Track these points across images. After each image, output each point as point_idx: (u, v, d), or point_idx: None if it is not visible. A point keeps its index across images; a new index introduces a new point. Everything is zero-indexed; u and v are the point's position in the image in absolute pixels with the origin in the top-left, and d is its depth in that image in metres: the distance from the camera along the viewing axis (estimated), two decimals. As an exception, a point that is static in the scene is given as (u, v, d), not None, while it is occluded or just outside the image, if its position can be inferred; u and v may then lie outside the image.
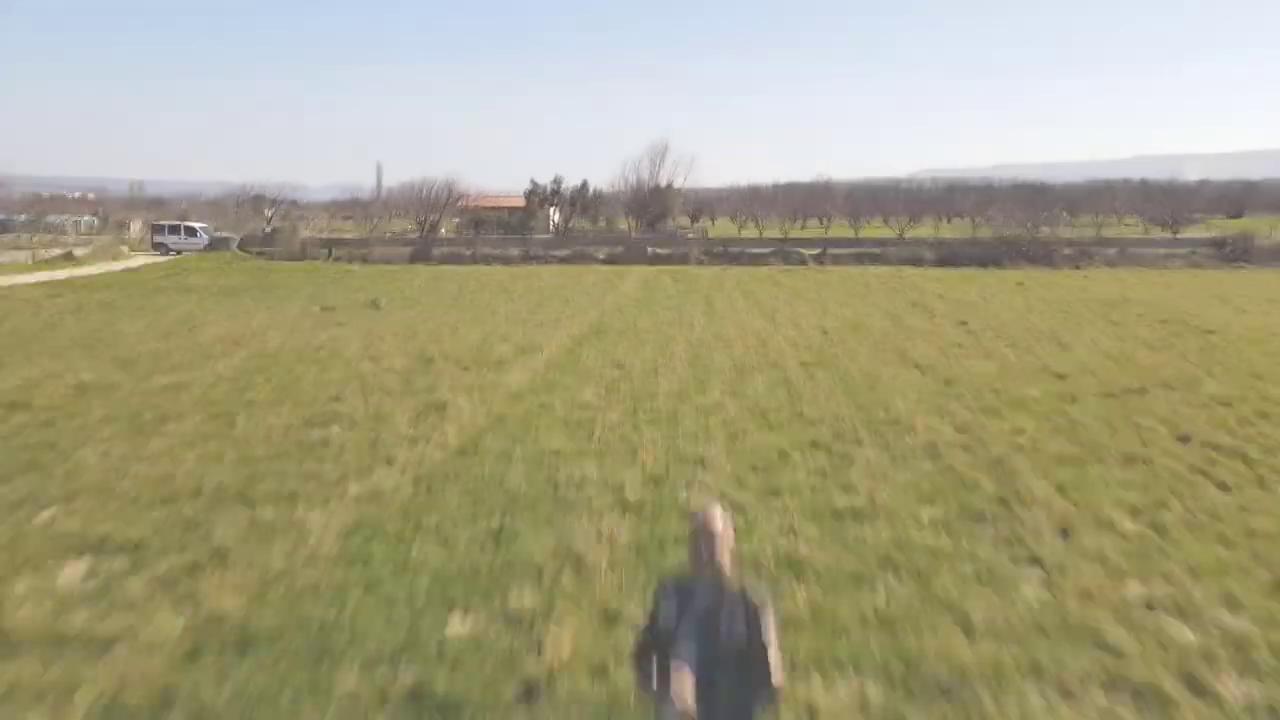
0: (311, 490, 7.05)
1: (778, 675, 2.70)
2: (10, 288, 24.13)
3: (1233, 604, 5.04)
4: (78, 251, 37.27)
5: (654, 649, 2.79)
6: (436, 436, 8.70)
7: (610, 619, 4.79)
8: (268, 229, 46.90)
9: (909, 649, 4.46)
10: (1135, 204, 64.20)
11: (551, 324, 17.57)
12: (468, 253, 38.56)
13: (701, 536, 2.75)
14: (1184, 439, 8.66)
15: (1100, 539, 6.06)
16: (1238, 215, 70.62)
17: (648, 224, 54.87)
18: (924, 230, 53.86)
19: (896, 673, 4.24)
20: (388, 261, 36.02)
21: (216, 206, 61.97)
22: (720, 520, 2.80)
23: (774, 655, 2.69)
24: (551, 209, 56.97)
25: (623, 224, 55.95)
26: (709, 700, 2.54)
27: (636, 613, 4.45)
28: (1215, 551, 5.84)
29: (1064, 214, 49.35)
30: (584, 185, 58.02)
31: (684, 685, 2.53)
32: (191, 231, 43.65)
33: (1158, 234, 48.09)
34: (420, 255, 38.08)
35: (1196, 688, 4.11)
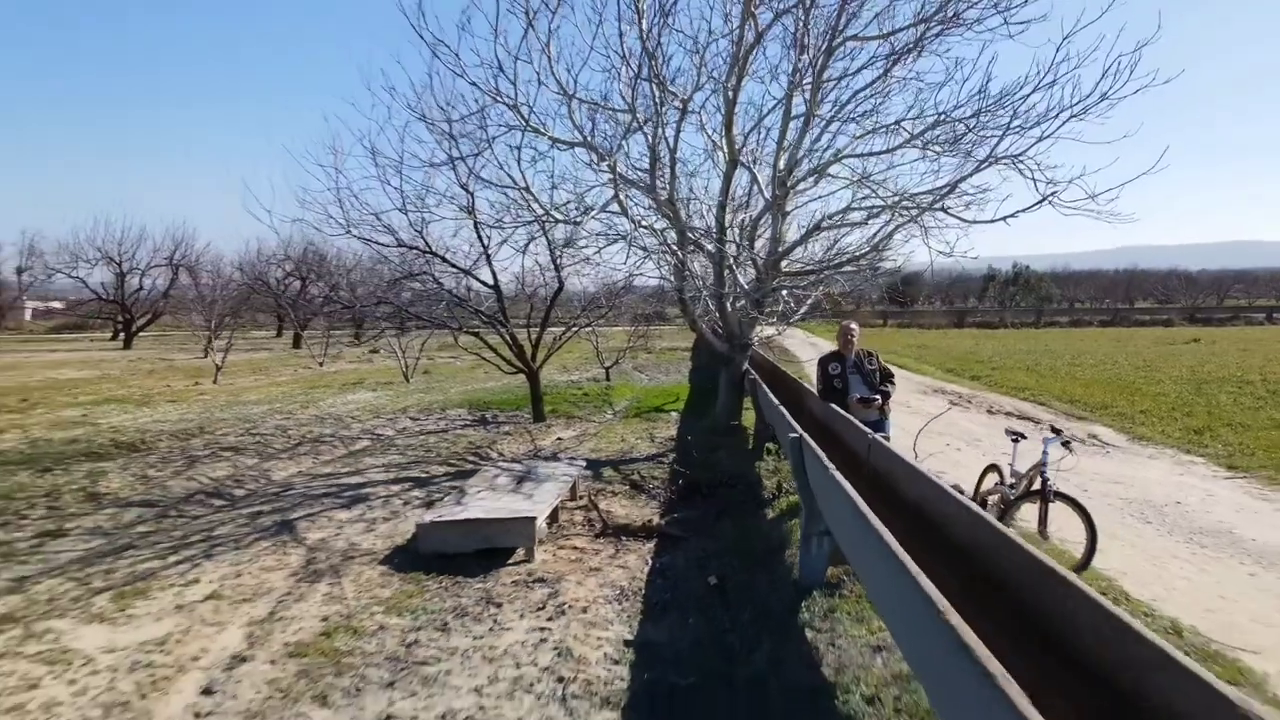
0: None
1: (894, 379, 7.05)
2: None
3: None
4: None
5: (831, 385, 6.81)
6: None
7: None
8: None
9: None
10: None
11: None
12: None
13: (847, 335, 6.96)
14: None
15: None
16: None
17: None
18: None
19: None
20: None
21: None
22: (855, 330, 6.97)
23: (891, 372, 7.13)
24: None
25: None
26: (866, 403, 6.64)
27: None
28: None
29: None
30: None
31: (858, 394, 6.73)
32: None
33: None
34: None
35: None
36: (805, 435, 4.95)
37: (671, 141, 9.79)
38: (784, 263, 10.64)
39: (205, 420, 13.68)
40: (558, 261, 12.97)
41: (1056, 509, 5.58)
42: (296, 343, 41.23)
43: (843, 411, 6.36)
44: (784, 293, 10.68)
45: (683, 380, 21.02)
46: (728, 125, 9.86)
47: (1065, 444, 5.71)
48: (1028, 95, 8.74)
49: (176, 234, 46.82)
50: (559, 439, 11.82)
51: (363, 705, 3.81)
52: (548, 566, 5.88)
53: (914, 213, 9.45)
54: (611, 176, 8.97)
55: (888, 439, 6.84)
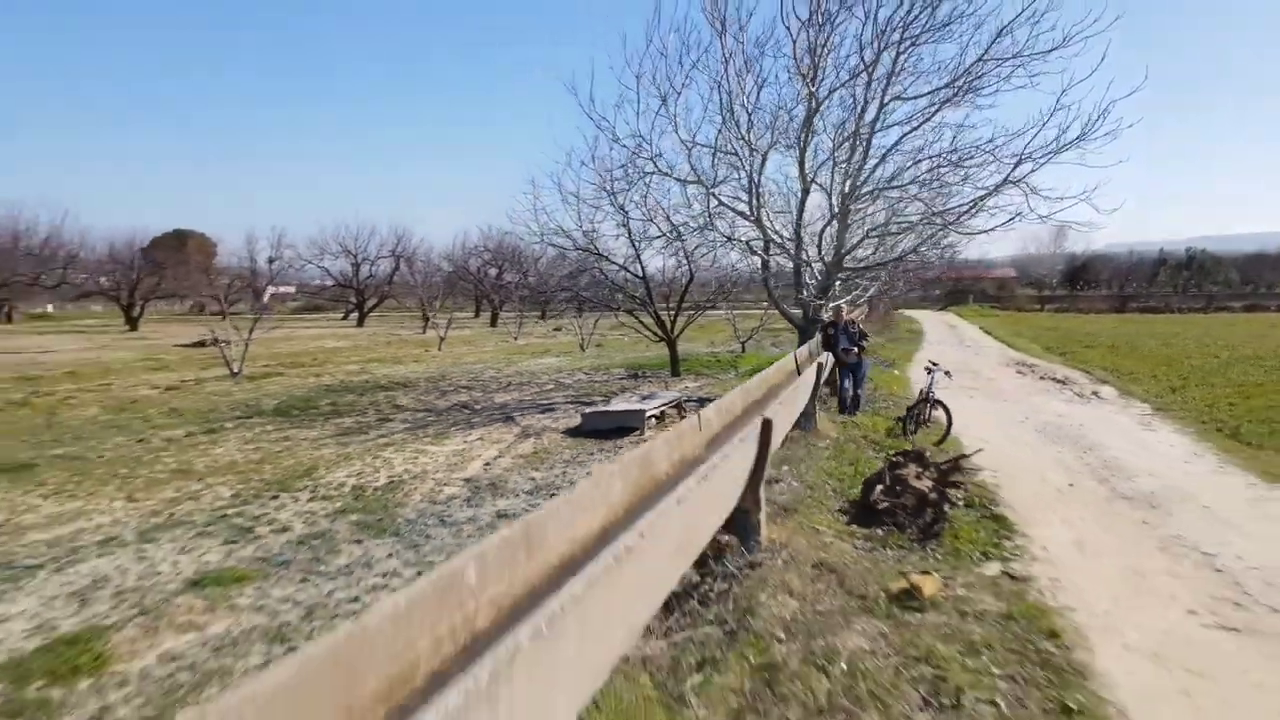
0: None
1: (866, 338, 11.03)
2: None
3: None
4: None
5: (829, 341, 10.77)
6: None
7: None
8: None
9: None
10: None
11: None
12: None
13: (839, 313, 10.99)
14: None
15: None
16: None
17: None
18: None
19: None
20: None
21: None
22: (844, 309, 11.14)
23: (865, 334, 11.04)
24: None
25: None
26: (859, 360, 10.59)
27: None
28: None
29: None
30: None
31: (842, 346, 10.66)
32: None
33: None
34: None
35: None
36: (794, 356, 9.30)
37: (758, 176, 14.08)
38: (845, 261, 14.66)
39: (443, 372, 19.47)
40: (690, 260, 17.57)
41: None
42: (493, 321, 48.37)
43: (832, 354, 10.57)
44: (837, 284, 14.71)
45: (807, 354, 24.98)
46: (801, 165, 14.00)
47: (946, 373, 9.66)
48: (1038, 132, 12.34)
49: (399, 230, 55.55)
50: (685, 386, 16.43)
51: (554, 470, 8.62)
52: (652, 436, 10.52)
53: (938, 226, 13.26)
54: (707, 203, 13.45)
55: (864, 374, 10.97)
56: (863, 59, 13.22)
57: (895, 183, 14.15)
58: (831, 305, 15.28)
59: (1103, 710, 3.47)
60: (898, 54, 13.22)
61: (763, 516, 5.26)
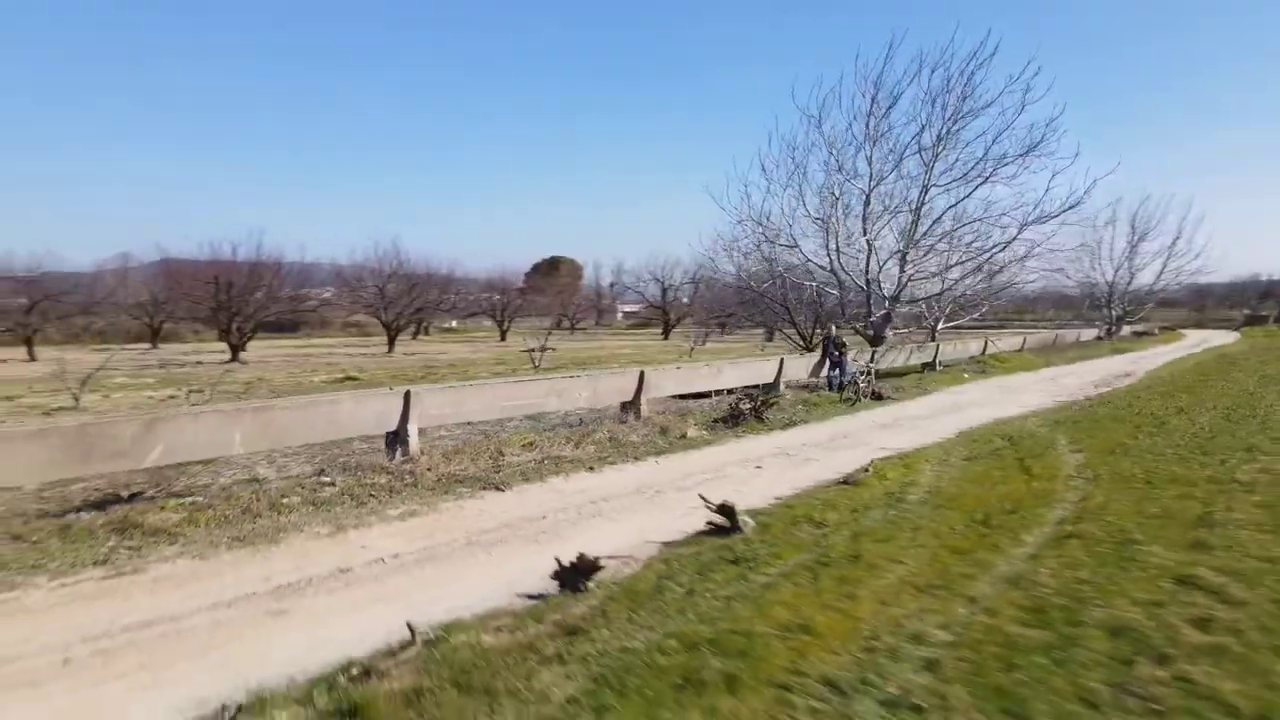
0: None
1: (845, 347, 18.02)
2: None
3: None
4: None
5: (828, 350, 18.02)
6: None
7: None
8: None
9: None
10: None
11: None
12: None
13: (831, 336, 17.91)
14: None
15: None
16: None
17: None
18: None
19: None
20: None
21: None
22: (834, 330, 18.07)
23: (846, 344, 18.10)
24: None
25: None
26: (840, 358, 17.80)
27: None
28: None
29: None
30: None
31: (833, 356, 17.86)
32: None
33: None
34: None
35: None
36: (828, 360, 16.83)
37: (834, 241, 21.17)
38: (902, 295, 21.15)
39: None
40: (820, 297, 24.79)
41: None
42: (770, 336, 56.98)
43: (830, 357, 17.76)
44: (886, 312, 21.16)
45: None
46: (864, 229, 20.88)
47: (871, 361, 16.46)
48: (1037, 204, 18.44)
49: (699, 259, 66.49)
50: (807, 382, 23.65)
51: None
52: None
53: (975, 266, 19.57)
54: (787, 259, 21.00)
55: (845, 369, 18.01)
56: (919, 150, 19.97)
57: (938, 238, 20.52)
58: (820, 332, 21.85)
59: (718, 477, 11.36)
60: (934, 157, 19.82)
61: (643, 408, 13.51)
